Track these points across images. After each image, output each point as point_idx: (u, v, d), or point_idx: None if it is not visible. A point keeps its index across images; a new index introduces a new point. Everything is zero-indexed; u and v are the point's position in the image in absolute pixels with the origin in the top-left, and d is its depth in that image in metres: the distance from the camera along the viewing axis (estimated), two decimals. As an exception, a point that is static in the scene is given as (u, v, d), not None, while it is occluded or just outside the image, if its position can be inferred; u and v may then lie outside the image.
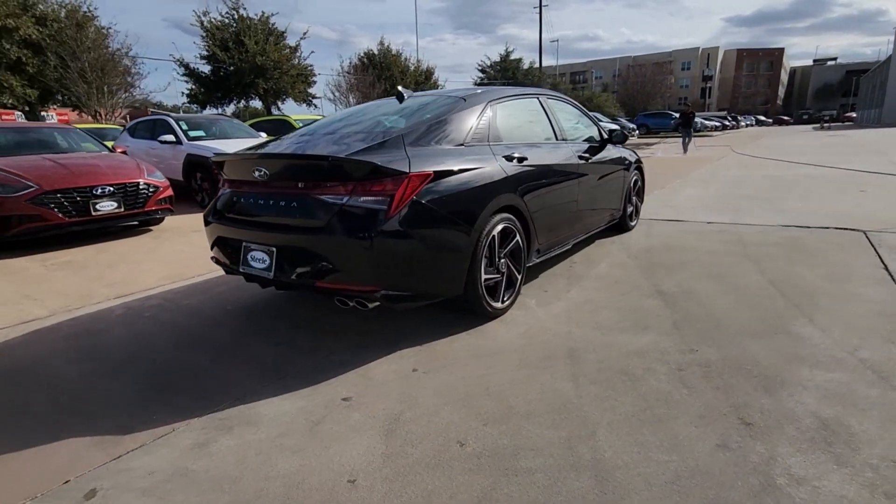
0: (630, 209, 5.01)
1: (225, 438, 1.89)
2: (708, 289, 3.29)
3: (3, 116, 21.58)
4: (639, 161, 5.08)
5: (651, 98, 48.02)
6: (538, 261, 3.42)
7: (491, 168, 2.81)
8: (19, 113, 16.23)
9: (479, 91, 3.24)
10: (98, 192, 5.37)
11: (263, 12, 20.47)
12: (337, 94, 24.13)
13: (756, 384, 2.10)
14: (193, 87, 19.83)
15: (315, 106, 22.63)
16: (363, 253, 2.28)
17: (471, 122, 2.91)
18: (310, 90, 22.60)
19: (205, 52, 19.38)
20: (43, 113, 16.86)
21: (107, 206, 5.43)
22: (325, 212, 2.36)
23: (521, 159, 3.09)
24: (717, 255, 4.09)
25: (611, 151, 4.44)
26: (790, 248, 4.21)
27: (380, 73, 25.53)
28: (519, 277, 3.10)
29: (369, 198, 2.31)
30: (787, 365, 2.24)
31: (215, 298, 3.52)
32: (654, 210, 6.10)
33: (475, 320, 2.90)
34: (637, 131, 26.65)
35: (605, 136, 4.40)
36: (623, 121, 30.68)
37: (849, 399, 1.96)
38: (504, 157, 2.97)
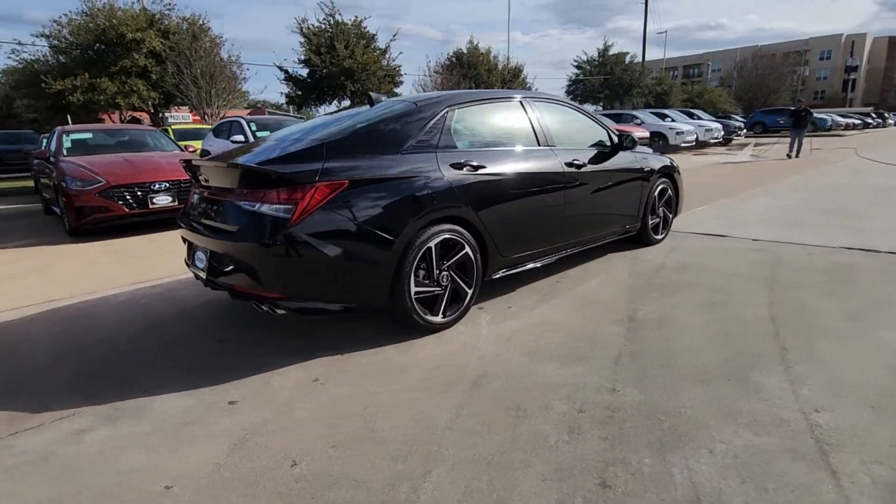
0: (654, 221, 4.53)
1: (104, 428, 2.03)
2: (691, 319, 2.88)
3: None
4: (667, 168, 4.57)
5: (774, 92, 42.89)
6: (506, 275, 3.23)
7: (430, 176, 2.70)
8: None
9: (439, 96, 3.12)
10: (155, 188, 6.02)
11: (356, 17, 21.53)
12: (423, 93, 24.49)
13: (655, 439, 1.80)
14: (290, 89, 21.49)
15: (401, 105, 23.24)
16: (266, 259, 2.32)
17: (416, 128, 2.81)
18: (396, 90, 23.31)
19: (302, 57, 20.86)
20: (167, 114, 19.36)
21: (163, 200, 6.07)
22: (239, 218, 2.42)
23: (476, 167, 2.93)
24: (734, 279, 3.57)
25: (624, 158, 4.05)
26: (832, 275, 3.54)
27: (466, 72, 25.62)
28: (469, 292, 2.95)
29: (274, 206, 2.33)
30: (712, 420, 1.90)
31: (206, 291, 3.78)
32: (700, 222, 5.47)
33: (413, 333, 2.81)
34: (744, 130, 23.89)
35: (616, 142, 4.02)
36: (737, 118, 27.77)
37: (757, 473, 1.60)
38: (452, 164, 2.83)
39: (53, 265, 4.78)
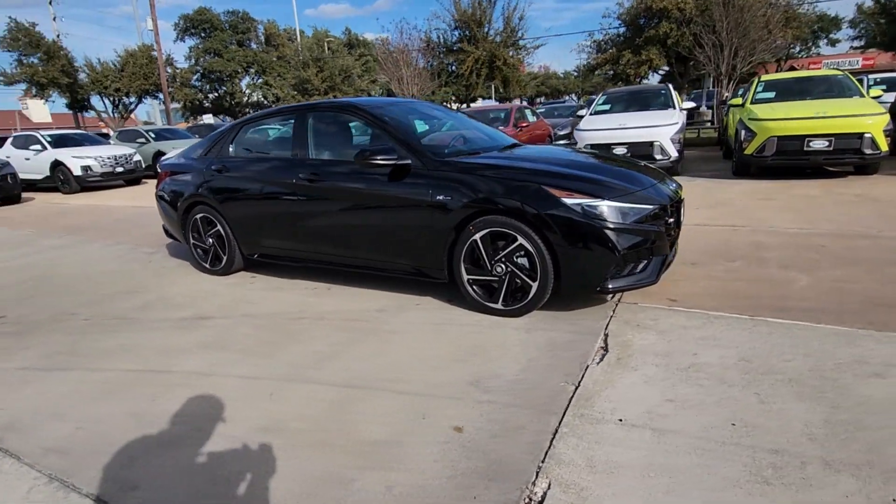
0: (483, 279, 3.06)
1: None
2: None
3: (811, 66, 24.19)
4: (506, 201, 2.87)
5: None
6: (265, 260, 4.09)
7: (198, 173, 4.20)
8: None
9: (240, 119, 4.17)
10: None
11: None
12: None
13: None
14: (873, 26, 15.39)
15: None
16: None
17: (214, 139, 4.24)
18: None
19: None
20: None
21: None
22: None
23: (220, 171, 4.04)
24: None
25: (401, 178, 3.21)
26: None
27: None
28: (224, 257, 4.23)
29: (165, 180, 4.78)
30: None
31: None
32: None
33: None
34: None
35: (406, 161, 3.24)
36: None
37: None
38: (213, 167, 4.11)
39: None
